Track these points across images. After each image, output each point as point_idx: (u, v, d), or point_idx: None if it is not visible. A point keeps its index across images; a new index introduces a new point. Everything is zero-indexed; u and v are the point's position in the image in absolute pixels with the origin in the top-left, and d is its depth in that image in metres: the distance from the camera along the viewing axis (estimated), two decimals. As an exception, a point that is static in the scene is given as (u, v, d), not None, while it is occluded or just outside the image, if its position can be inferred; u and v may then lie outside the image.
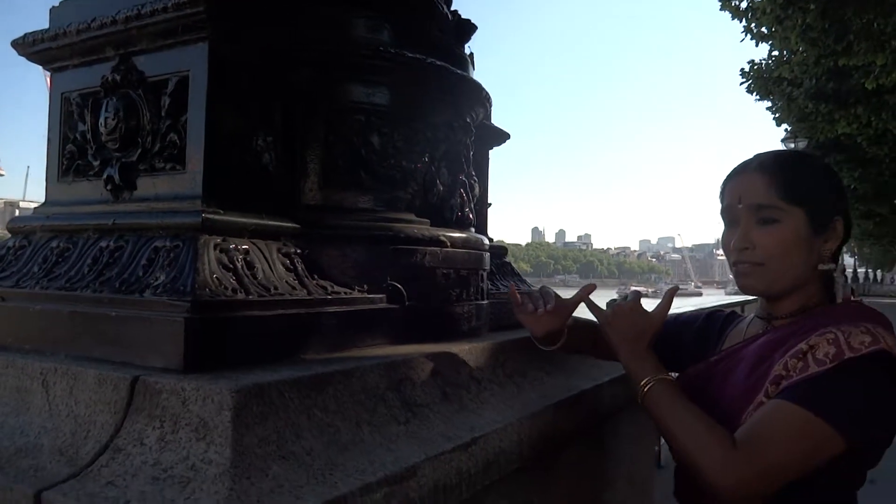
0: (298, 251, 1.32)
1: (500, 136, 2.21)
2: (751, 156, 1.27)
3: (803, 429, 1.02)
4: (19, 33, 1.45)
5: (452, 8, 1.85)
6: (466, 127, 1.66)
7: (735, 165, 1.27)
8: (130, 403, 0.95)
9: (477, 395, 1.33)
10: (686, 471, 1.18)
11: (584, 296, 1.34)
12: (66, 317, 1.14)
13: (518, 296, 1.35)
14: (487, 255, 1.75)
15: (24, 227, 1.42)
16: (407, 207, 1.52)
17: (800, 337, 1.11)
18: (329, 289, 1.31)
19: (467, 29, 1.81)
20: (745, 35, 12.23)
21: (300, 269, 1.29)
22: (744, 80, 16.65)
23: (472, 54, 1.84)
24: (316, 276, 1.32)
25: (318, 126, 1.43)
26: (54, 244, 1.31)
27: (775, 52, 14.56)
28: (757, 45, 12.65)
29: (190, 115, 1.24)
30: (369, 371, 1.11)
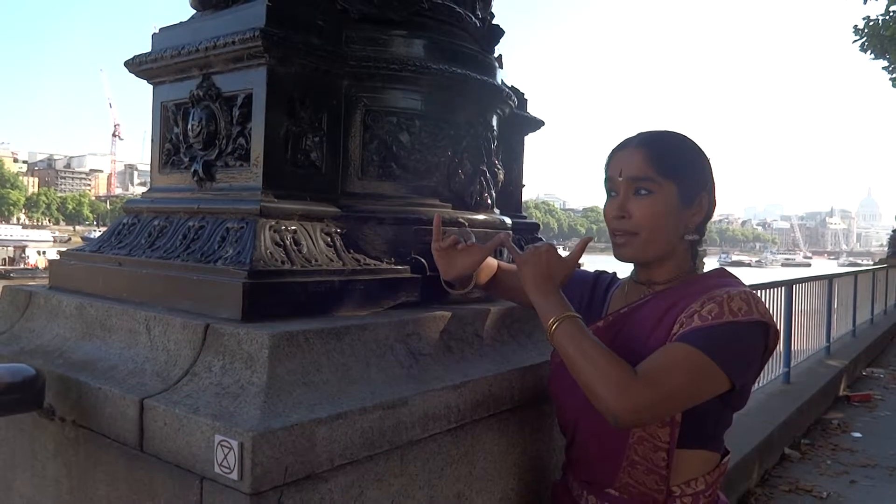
0: (338, 230, 1.65)
1: (535, 124, 2.46)
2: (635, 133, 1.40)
3: (696, 366, 1.19)
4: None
5: (490, 10, 2.11)
6: (487, 124, 1.94)
7: (621, 141, 1.41)
8: (204, 342, 1.32)
9: (478, 350, 1.64)
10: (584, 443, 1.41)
11: (497, 242, 1.51)
12: (163, 279, 1.54)
13: (440, 228, 1.52)
14: (509, 232, 2.02)
15: (135, 208, 1.83)
16: (431, 194, 1.82)
17: (690, 299, 1.30)
18: (362, 261, 1.64)
19: (495, 34, 2.06)
20: (853, -9, 11.50)
21: (338, 244, 1.63)
22: (857, 37, 15.62)
23: (500, 56, 2.10)
24: (352, 251, 1.65)
25: (357, 127, 1.75)
26: (156, 222, 1.71)
27: (893, 7, 13.57)
28: (865, 2, 11.86)
29: (254, 123, 1.59)
30: (382, 326, 1.44)
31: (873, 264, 13.50)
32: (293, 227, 1.55)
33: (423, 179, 1.81)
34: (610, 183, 1.39)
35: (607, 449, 1.36)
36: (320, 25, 1.67)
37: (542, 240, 2.48)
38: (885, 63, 16.03)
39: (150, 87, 1.85)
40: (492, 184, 1.97)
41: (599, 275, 1.60)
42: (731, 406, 1.34)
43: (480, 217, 1.89)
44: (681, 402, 1.23)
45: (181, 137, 1.75)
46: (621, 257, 1.39)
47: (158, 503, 1.22)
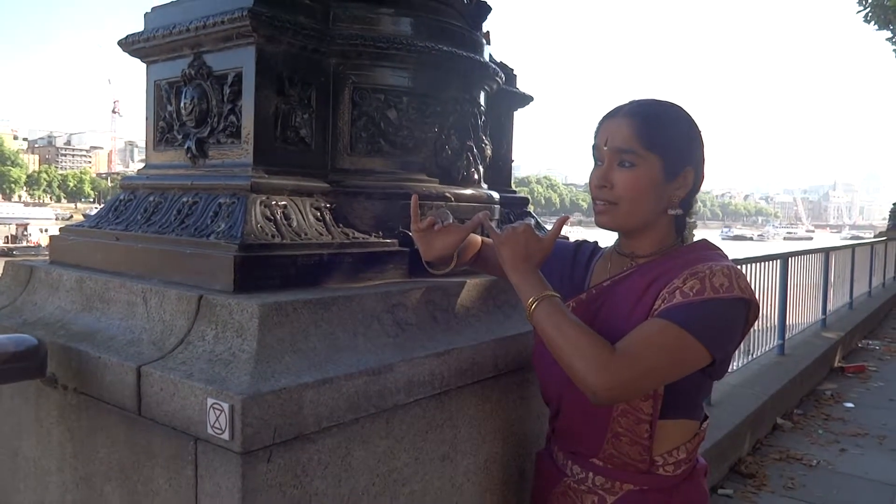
0: (327, 205, 1.71)
1: (524, 100, 2.49)
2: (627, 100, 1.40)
3: (676, 343, 1.20)
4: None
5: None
6: (474, 100, 1.98)
7: (611, 108, 1.38)
8: (198, 313, 1.38)
9: (464, 320, 1.70)
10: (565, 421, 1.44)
11: (476, 223, 1.47)
12: (158, 253, 1.60)
13: (417, 208, 1.48)
14: (496, 206, 2.08)
15: (131, 185, 1.88)
16: (419, 169, 1.87)
17: (673, 273, 1.29)
18: (350, 235, 1.70)
19: (482, 11, 2.10)
20: (856, -38, 11.40)
21: (328, 219, 1.68)
22: (861, 8, 15.46)
23: (487, 33, 2.13)
24: (341, 225, 1.70)
25: (346, 104, 1.79)
26: (151, 199, 1.76)
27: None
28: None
29: (244, 101, 1.63)
30: (368, 296, 1.50)
31: (873, 237, 13.52)
32: (283, 202, 1.61)
33: (410, 155, 1.85)
34: (596, 151, 1.37)
35: (591, 422, 1.38)
36: (308, 4, 1.70)
37: (531, 214, 2.53)
38: (889, 34, 15.89)
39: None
40: (479, 159, 2.02)
41: (580, 245, 1.58)
42: (711, 377, 1.36)
43: (468, 192, 1.94)
44: (661, 377, 1.24)
45: (174, 115, 1.80)
46: (601, 224, 1.38)
47: (156, 463, 1.29)
